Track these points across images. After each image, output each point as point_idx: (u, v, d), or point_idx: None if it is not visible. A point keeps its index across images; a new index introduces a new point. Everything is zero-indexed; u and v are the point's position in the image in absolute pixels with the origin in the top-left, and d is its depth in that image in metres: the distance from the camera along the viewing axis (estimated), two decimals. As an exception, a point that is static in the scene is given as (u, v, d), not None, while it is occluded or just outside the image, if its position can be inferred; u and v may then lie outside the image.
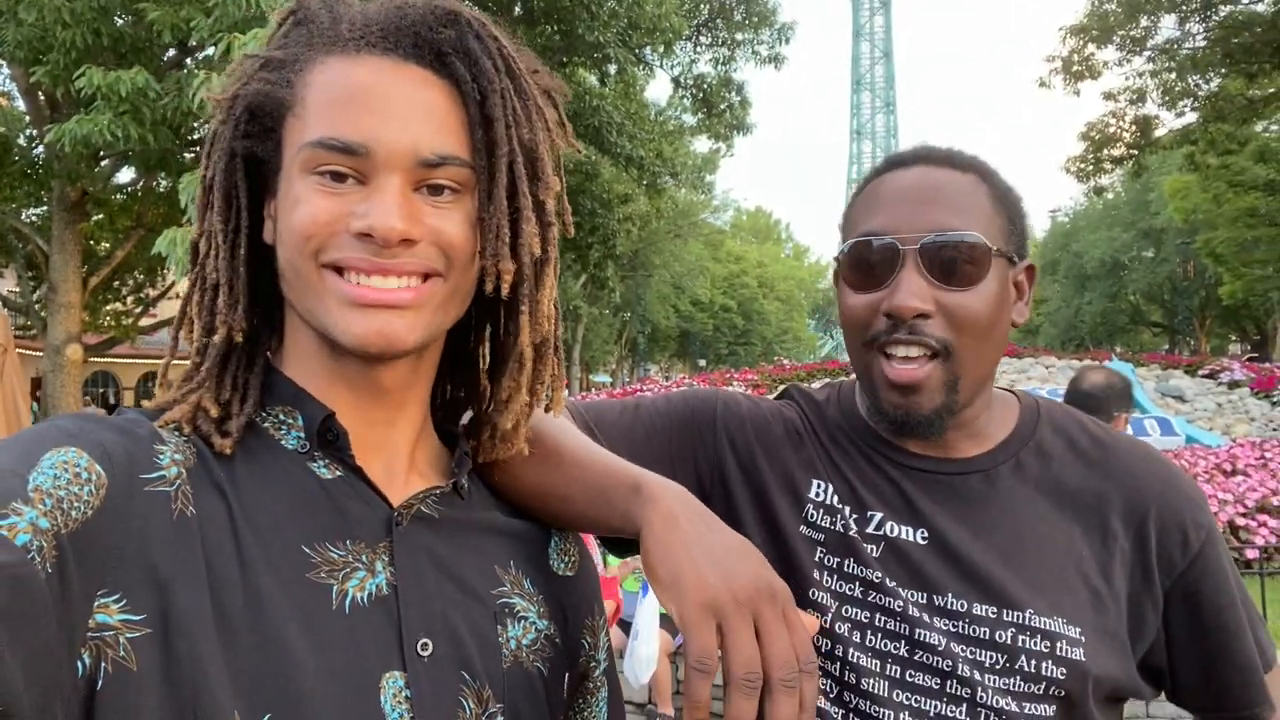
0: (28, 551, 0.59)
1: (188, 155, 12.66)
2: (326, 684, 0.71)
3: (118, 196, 15.34)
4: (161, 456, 0.73)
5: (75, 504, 0.64)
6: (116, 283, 17.76)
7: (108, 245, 16.51)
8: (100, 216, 15.86)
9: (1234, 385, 14.21)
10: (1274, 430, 12.10)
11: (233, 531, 0.72)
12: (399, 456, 0.86)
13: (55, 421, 0.72)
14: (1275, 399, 13.05)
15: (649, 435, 1.18)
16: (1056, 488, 1.11)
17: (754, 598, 0.74)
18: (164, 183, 14.11)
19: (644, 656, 4.85)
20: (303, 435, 0.81)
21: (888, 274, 1.05)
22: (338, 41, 0.78)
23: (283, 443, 0.81)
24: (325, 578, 0.75)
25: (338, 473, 0.80)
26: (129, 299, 18.90)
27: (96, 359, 20.20)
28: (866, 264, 1.07)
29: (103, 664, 0.64)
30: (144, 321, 18.46)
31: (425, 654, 0.77)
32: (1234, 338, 42.65)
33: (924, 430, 1.08)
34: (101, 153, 12.42)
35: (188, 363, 0.83)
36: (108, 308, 18.23)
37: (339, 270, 0.76)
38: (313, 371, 0.83)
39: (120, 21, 11.17)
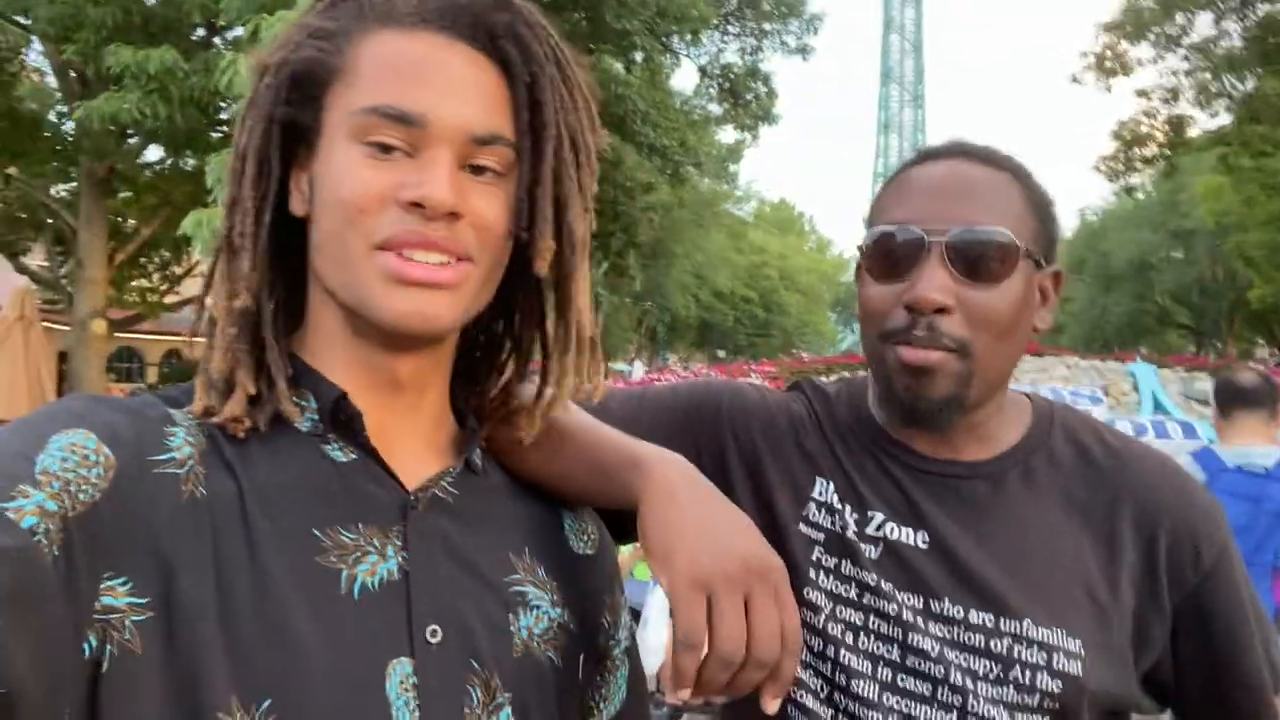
0: (34, 534, 0.59)
1: (214, 135, 12.75)
2: (329, 669, 0.70)
3: (145, 174, 15.48)
4: (173, 439, 0.73)
5: (83, 486, 0.64)
6: (143, 259, 17.94)
7: (134, 222, 16.66)
8: (127, 194, 16.00)
9: (1259, 390, 13.99)
10: (1300, 437, 11.92)
11: (242, 513, 0.72)
12: (415, 441, 0.86)
13: (65, 403, 0.72)
14: (1302, 405, 12.84)
15: (652, 425, 1.16)
16: (1066, 497, 1.08)
17: (746, 575, 0.74)
18: (190, 162, 14.22)
19: (653, 645, 4.85)
20: (317, 418, 0.80)
21: (911, 265, 1.03)
22: (393, 15, 0.78)
23: (297, 425, 0.80)
24: (335, 562, 0.74)
25: (352, 455, 0.80)
26: (155, 276, 19.09)
27: (121, 334, 20.40)
28: (890, 254, 1.05)
29: (108, 646, 0.64)
30: (169, 299, 18.64)
31: (434, 641, 0.76)
32: (1261, 342, 42.06)
33: (932, 418, 1.05)
34: (129, 130, 12.52)
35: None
36: (133, 284, 18.43)
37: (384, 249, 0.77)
38: (333, 356, 0.83)
39: (151, 1, 11.25)
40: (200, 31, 12.37)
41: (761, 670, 0.73)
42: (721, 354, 47.98)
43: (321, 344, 0.83)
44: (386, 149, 0.75)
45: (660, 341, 46.01)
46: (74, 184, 15.52)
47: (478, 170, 0.78)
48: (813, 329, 62.61)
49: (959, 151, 1.09)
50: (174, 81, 9.59)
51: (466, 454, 0.87)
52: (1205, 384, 14.57)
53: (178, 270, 19.00)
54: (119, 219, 16.32)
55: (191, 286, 20.24)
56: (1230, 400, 3.54)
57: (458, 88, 0.77)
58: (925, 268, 1.01)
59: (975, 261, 1.01)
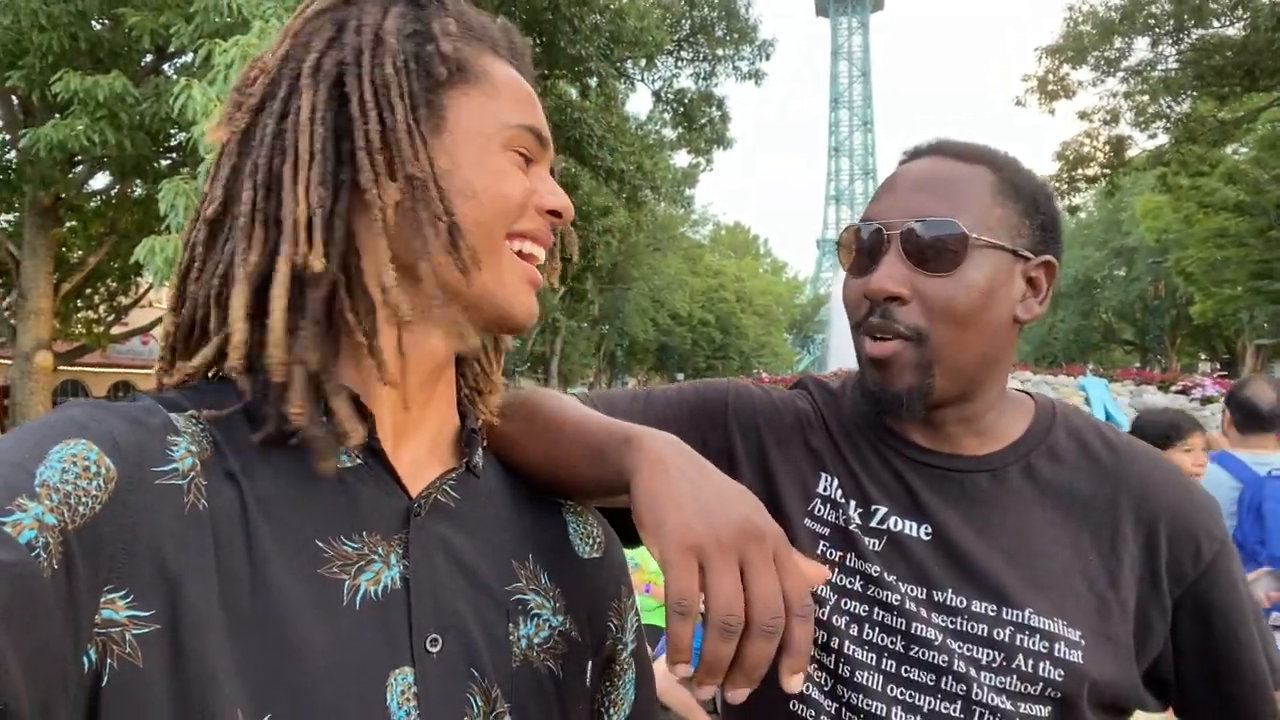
0: (32, 549, 0.58)
1: (164, 162, 12.55)
2: (332, 682, 0.69)
3: (92, 203, 15.19)
4: (175, 448, 0.71)
5: (83, 499, 0.63)
6: (89, 290, 17.55)
7: (81, 252, 16.31)
8: (74, 222, 15.69)
9: (1206, 401, 14.38)
10: (1245, 446, 12.23)
11: (245, 525, 0.71)
12: (422, 440, 0.85)
13: (66, 410, 0.70)
14: (1246, 416, 13.18)
15: (659, 424, 1.16)
16: (1067, 491, 1.09)
17: (740, 539, 0.71)
18: (139, 189, 13.99)
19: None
20: (326, 420, 0.78)
21: (875, 258, 1.07)
22: (499, 45, 0.87)
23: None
24: (338, 573, 0.73)
25: (357, 460, 0.79)
26: (101, 307, 18.67)
27: (66, 367, 19.88)
28: (858, 249, 1.10)
29: (108, 660, 0.63)
30: (116, 329, 18.23)
31: (434, 650, 0.75)
32: (1204, 356, 43.26)
33: (896, 409, 1.08)
34: (77, 158, 12.29)
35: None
36: (79, 315, 17.99)
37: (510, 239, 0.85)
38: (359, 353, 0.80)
39: (98, 26, 11.10)
40: (149, 57, 12.21)
41: (768, 638, 0.68)
42: (680, 376, 48.12)
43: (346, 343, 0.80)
44: (528, 160, 0.86)
45: (619, 365, 46.06)
46: (17, 214, 15.16)
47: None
48: (770, 350, 63.09)
49: (937, 149, 1.12)
50: (124, 108, 9.45)
51: (468, 455, 0.87)
52: (1153, 397, 14.95)
53: (125, 300, 18.59)
54: (64, 249, 15.97)
55: (139, 317, 19.84)
56: (1248, 422, 3.69)
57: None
58: (884, 259, 1.06)
59: (927, 251, 1.04)
